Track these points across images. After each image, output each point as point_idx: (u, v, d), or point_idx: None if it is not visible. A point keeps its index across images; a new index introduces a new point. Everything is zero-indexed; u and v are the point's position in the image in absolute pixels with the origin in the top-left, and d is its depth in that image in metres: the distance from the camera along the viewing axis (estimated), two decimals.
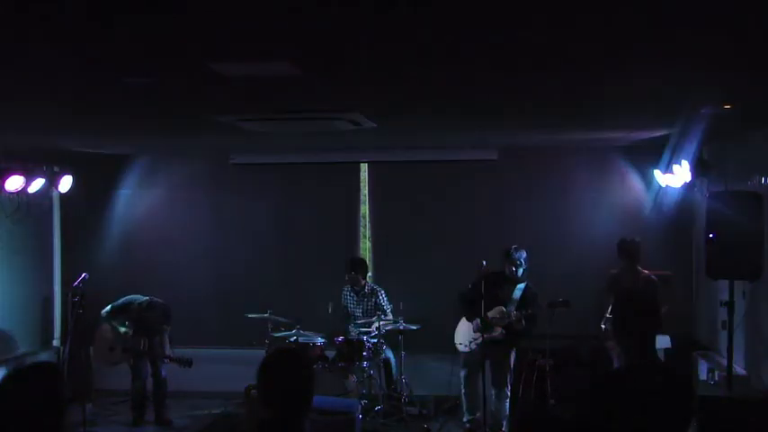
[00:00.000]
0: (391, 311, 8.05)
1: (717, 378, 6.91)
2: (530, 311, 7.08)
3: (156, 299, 7.88)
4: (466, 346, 7.30)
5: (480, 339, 7.08)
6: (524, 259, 7.24)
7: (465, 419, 7.49)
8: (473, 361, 7.26)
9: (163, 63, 3.91)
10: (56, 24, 3.13)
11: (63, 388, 2.82)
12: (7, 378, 2.77)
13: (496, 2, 2.87)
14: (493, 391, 7.21)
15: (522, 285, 7.24)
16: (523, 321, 7.08)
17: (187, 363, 7.62)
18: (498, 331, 7.12)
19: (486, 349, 7.02)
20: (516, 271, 7.19)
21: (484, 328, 7.03)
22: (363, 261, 8.55)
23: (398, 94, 4.98)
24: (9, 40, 3.41)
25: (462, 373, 7.39)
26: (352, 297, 8.31)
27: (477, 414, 7.26)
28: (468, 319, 7.33)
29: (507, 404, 7.29)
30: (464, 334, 7.37)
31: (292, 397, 2.86)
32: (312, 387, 2.90)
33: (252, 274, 9.12)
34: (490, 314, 7.11)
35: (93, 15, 2.97)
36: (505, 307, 7.15)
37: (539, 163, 8.73)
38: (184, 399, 8.49)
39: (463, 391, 7.42)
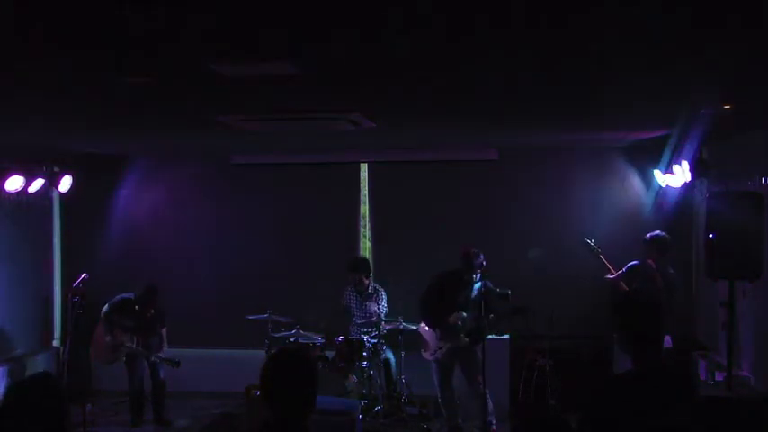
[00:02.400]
0: (385, 315, 8.01)
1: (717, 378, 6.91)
2: (491, 316, 6.92)
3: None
4: (431, 354, 7.24)
5: (445, 348, 7.08)
6: (481, 264, 6.99)
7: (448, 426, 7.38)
8: (443, 367, 7.20)
9: (163, 63, 3.91)
10: (56, 24, 3.13)
11: (66, 402, 2.82)
12: (9, 393, 2.77)
13: (497, 2, 2.88)
14: (469, 389, 7.17)
15: (478, 285, 7.02)
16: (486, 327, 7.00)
17: (175, 363, 7.70)
18: (462, 339, 7.04)
19: (453, 355, 7.07)
20: (475, 276, 6.98)
21: (447, 336, 7.03)
22: (366, 261, 8.51)
23: (398, 94, 4.98)
24: (10, 41, 3.42)
25: (436, 381, 7.26)
26: (356, 297, 8.28)
27: (459, 420, 7.26)
28: (430, 327, 7.25)
29: (489, 398, 7.03)
30: (428, 342, 7.30)
31: (296, 396, 2.87)
32: (316, 387, 2.90)
33: (252, 274, 9.10)
34: (450, 320, 7.04)
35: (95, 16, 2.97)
36: (465, 311, 7.02)
37: (539, 163, 8.72)
38: (184, 399, 8.48)
39: (440, 399, 7.32)
